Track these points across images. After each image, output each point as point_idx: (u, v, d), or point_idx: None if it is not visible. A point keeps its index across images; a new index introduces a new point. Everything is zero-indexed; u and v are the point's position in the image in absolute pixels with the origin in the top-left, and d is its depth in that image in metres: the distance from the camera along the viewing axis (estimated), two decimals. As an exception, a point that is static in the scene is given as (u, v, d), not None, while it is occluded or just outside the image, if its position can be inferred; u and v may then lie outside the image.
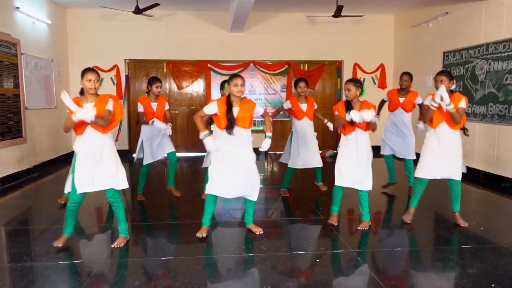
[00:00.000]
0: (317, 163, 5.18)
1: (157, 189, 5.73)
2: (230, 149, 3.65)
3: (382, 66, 9.33)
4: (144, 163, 4.91)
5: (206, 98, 9.08)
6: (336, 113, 3.90)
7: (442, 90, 3.65)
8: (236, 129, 3.63)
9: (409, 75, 5.12)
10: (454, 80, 3.92)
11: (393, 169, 5.45)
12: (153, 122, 4.76)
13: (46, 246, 3.61)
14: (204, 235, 3.77)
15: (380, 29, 9.30)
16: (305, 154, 5.10)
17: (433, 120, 3.92)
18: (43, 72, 7.30)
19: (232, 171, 3.64)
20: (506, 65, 5.81)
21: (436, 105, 3.76)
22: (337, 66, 9.54)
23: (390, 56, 9.41)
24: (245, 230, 4.02)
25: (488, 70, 6.21)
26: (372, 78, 9.38)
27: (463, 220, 4.09)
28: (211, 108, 3.64)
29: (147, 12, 7.71)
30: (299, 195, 5.38)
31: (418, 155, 4.24)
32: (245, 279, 3.00)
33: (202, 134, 3.59)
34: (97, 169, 3.40)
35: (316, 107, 5.23)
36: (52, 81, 7.62)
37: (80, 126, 3.34)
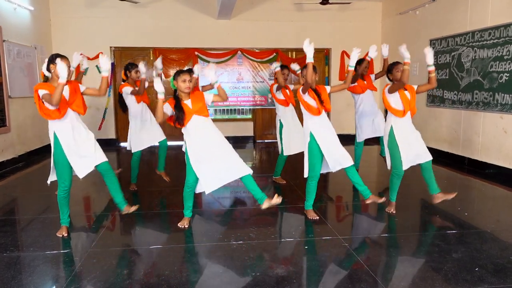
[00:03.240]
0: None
1: (146, 178, 5.71)
2: (200, 142, 3.60)
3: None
4: (132, 150, 4.88)
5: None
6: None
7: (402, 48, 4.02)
8: (196, 118, 3.59)
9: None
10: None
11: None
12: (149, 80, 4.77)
13: (33, 236, 3.58)
14: (186, 226, 3.77)
15: (368, 16, 9.30)
16: (297, 138, 5.13)
17: (401, 111, 3.96)
18: (26, 60, 7.15)
19: (212, 161, 3.58)
20: (491, 52, 5.87)
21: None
22: (325, 54, 9.53)
23: (378, 43, 9.38)
24: (234, 219, 4.04)
25: (473, 57, 6.27)
26: (360, 65, 9.39)
27: (448, 193, 4.10)
28: (166, 110, 3.58)
29: (133, -2, 7.59)
30: (288, 182, 5.40)
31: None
32: (234, 267, 3.02)
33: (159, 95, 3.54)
34: (82, 149, 3.50)
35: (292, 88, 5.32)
36: (36, 69, 7.47)
37: (63, 109, 3.41)
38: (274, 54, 9.20)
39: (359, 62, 5.40)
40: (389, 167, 4.15)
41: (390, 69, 4.16)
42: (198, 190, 3.82)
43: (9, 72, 6.50)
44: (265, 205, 3.57)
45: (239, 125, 9.46)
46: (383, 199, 3.93)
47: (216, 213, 4.29)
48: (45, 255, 3.19)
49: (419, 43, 7.74)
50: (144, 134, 4.90)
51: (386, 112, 4.12)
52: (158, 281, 2.77)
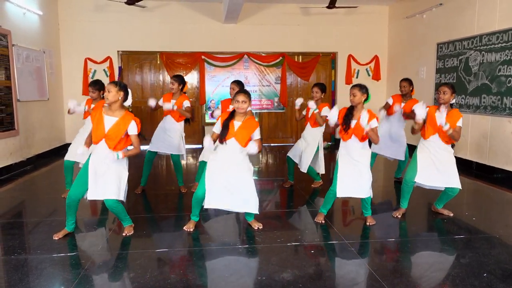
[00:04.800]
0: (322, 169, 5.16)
1: (152, 182, 5.73)
2: (224, 165, 3.62)
3: (376, 58, 9.33)
4: (149, 149, 4.99)
5: (200, 90, 9.05)
6: (325, 111, 3.88)
7: (442, 116, 3.75)
8: (232, 142, 3.60)
9: (408, 81, 5.19)
10: (455, 94, 3.94)
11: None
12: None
13: (40, 238, 3.60)
14: (192, 229, 3.77)
15: (374, 20, 9.28)
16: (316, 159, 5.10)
17: (425, 131, 3.98)
18: (35, 64, 7.22)
19: (227, 183, 3.59)
20: (499, 56, 5.83)
21: (420, 121, 3.88)
22: (331, 58, 9.52)
23: (384, 47, 9.41)
24: (241, 222, 4.04)
25: (481, 61, 6.23)
26: (366, 69, 9.38)
27: (448, 210, 4.19)
28: (215, 129, 3.68)
29: (140, 3, 7.65)
30: (294, 186, 5.39)
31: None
32: (240, 270, 3.02)
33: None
34: (99, 177, 3.49)
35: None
36: (44, 73, 7.54)
37: (97, 138, 3.48)
38: (281, 58, 9.21)
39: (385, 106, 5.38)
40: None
41: (437, 88, 4.07)
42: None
43: (18, 76, 6.56)
44: (250, 222, 3.88)
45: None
46: (373, 223, 3.93)
47: (222, 217, 4.29)
48: (52, 258, 3.21)
49: (426, 46, 7.72)
50: (159, 138, 4.99)
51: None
52: (164, 284, 2.77)
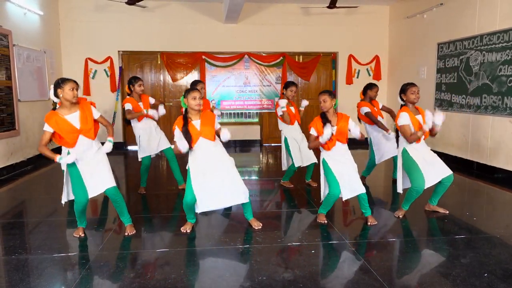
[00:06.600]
0: (313, 159, 5.19)
1: (152, 182, 5.73)
2: (204, 165, 3.62)
3: (377, 58, 9.32)
4: (140, 156, 4.92)
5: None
6: (312, 132, 3.84)
7: (431, 118, 3.86)
8: (202, 141, 3.60)
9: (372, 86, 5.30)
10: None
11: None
12: (147, 111, 4.84)
13: (41, 238, 3.60)
14: (188, 231, 3.77)
15: (375, 20, 9.28)
16: (301, 153, 5.16)
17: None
18: (36, 64, 7.23)
19: (212, 184, 3.59)
20: (500, 56, 5.83)
21: (426, 129, 3.87)
22: (332, 58, 9.52)
23: (385, 47, 9.40)
24: (241, 222, 4.04)
25: (482, 61, 6.23)
26: (367, 69, 9.38)
27: (442, 208, 4.23)
28: (177, 139, 3.57)
29: (140, 3, 7.65)
30: (294, 186, 5.39)
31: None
32: (240, 270, 3.02)
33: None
34: (93, 171, 3.52)
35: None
36: (45, 73, 7.55)
37: (73, 139, 3.42)
38: (281, 58, 9.21)
39: (370, 86, 5.30)
40: (399, 191, 4.11)
41: (404, 89, 4.06)
42: (197, 210, 3.78)
43: (19, 76, 6.57)
44: (250, 221, 3.88)
45: (246, 129, 9.46)
46: (375, 223, 3.92)
47: (223, 217, 4.29)
48: (52, 258, 3.21)
49: (427, 46, 7.71)
50: (151, 141, 4.98)
51: (396, 132, 4.10)
52: (164, 284, 2.77)
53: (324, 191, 4.00)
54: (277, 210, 4.66)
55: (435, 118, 3.87)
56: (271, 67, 9.32)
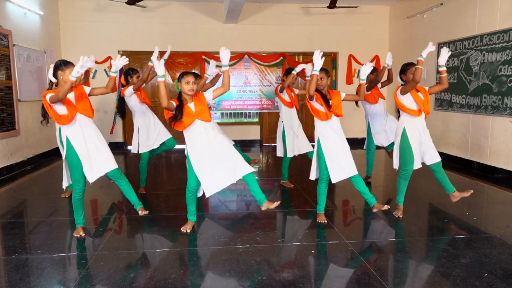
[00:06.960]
0: (308, 147, 5.22)
1: (152, 182, 5.73)
2: (202, 147, 3.58)
3: (377, 58, 9.31)
4: (140, 151, 4.92)
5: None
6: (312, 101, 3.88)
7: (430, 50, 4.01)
8: (198, 123, 3.57)
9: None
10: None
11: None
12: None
13: (41, 238, 3.60)
14: (189, 230, 3.77)
15: (375, 20, 9.28)
16: (297, 140, 5.19)
17: (416, 110, 3.97)
18: (36, 64, 7.23)
19: (213, 165, 3.57)
20: (500, 56, 5.83)
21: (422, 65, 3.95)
22: (332, 58, 9.52)
23: (385, 47, 9.40)
24: (241, 222, 4.04)
25: (482, 61, 6.23)
26: (367, 69, 9.36)
27: (464, 191, 4.13)
28: (171, 103, 3.54)
29: (141, 3, 7.65)
30: (294, 186, 5.39)
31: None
32: (240, 270, 3.02)
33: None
34: (97, 154, 3.61)
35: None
36: (45, 73, 7.54)
37: (70, 114, 3.45)
38: (281, 58, 9.20)
39: (372, 71, 5.32)
40: (395, 167, 4.14)
41: (404, 69, 4.14)
42: (200, 194, 3.82)
43: (19, 76, 6.57)
44: (264, 206, 3.58)
45: (246, 129, 9.47)
46: (386, 207, 3.85)
47: (222, 217, 4.29)
48: (52, 258, 3.21)
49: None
50: (151, 135, 4.94)
51: (398, 112, 4.11)
52: (164, 284, 2.77)
53: (314, 170, 4.06)
54: (276, 210, 4.65)
55: (440, 58, 3.96)
56: (271, 67, 9.31)
